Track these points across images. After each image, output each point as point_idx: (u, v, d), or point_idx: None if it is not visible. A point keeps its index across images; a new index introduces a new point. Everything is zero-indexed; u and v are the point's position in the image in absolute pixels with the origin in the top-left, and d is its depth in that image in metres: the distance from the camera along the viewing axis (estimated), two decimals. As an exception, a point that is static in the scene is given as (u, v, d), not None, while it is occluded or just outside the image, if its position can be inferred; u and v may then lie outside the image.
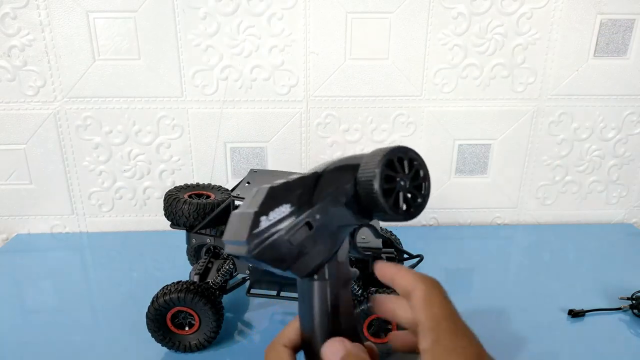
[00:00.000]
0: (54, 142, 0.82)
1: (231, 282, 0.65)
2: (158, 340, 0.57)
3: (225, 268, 0.61)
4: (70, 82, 0.79)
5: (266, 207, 0.28)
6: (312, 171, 0.30)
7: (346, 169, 0.29)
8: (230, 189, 0.70)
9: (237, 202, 0.60)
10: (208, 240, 0.64)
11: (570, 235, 0.88)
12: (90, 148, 0.83)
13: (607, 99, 0.85)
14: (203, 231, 0.63)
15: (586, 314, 0.65)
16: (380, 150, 0.28)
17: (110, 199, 0.87)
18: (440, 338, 0.27)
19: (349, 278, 0.31)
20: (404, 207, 0.28)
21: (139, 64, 0.78)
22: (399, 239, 0.70)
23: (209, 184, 0.70)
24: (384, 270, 0.32)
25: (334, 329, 0.30)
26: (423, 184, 0.29)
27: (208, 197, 0.67)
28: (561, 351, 0.59)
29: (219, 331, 0.58)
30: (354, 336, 0.31)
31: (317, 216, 0.28)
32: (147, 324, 0.57)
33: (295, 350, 0.32)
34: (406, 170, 0.28)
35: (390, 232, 0.70)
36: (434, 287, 0.29)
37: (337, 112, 0.83)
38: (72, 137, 0.82)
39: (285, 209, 0.28)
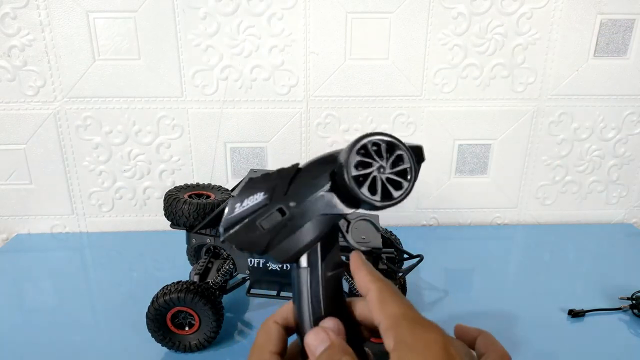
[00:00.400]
0: (54, 142, 0.82)
1: (231, 282, 0.65)
2: (158, 340, 0.57)
3: (225, 268, 0.61)
4: (70, 82, 0.79)
5: (242, 195, 0.30)
6: (294, 164, 0.31)
7: (325, 161, 0.29)
8: (230, 189, 0.70)
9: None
10: (208, 240, 0.64)
11: (570, 235, 0.88)
12: (90, 148, 0.83)
13: (607, 99, 0.85)
14: (203, 231, 0.63)
15: (586, 314, 0.65)
16: (356, 137, 0.28)
17: (110, 199, 0.87)
18: (402, 336, 0.26)
19: (337, 268, 0.31)
20: (383, 194, 0.28)
21: (139, 64, 0.78)
22: (399, 239, 0.70)
23: (209, 184, 0.70)
24: (351, 264, 0.31)
25: (316, 318, 0.30)
26: (407, 168, 0.28)
27: (208, 197, 0.67)
28: (561, 351, 0.59)
29: (219, 331, 0.58)
30: (346, 329, 0.30)
31: (291, 203, 0.29)
32: (147, 324, 0.57)
33: (287, 329, 0.32)
34: (384, 156, 0.28)
35: (390, 232, 0.70)
36: (387, 287, 0.29)
37: (337, 112, 0.83)
38: (72, 137, 0.82)
39: (259, 197, 0.30)
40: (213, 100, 0.81)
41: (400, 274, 0.61)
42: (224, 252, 0.65)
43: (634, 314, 0.65)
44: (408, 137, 0.85)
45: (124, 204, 0.88)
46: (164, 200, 0.64)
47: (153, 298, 0.56)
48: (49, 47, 0.76)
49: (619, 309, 0.66)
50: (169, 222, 0.64)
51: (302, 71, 0.80)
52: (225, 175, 0.87)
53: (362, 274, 0.30)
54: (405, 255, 0.67)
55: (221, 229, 0.30)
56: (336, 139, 0.85)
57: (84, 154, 0.83)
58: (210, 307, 0.56)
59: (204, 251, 0.67)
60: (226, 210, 0.30)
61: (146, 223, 0.89)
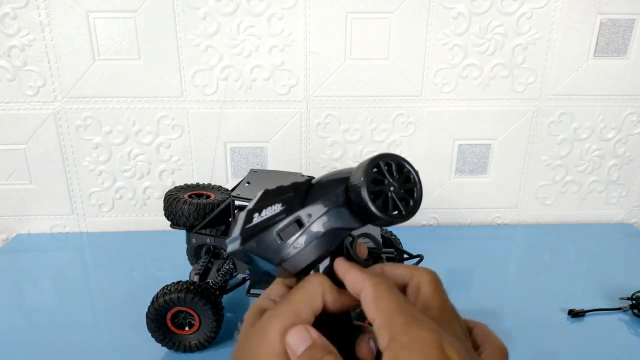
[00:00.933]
0: (54, 142, 0.82)
1: (231, 282, 0.65)
2: (158, 340, 0.57)
3: (225, 268, 0.61)
4: (70, 82, 0.79)
5: (259, 205, 0.31)
6: (306, 178, 0.32)
7: (338, 178, 0.31)
8: (230, 189, 0.70)
9: (237, 202, 0.60)
10: (208, 240, 0.64)
11: (570, 235, 0.88)
12: (90, 148, 0.83)
13: (607, 99, 0.85)
14: (203, 231, 0.63)
15: (586, 314, 0.65)
16: (369, 157, 0.29)
17: (110, 199, 0.87)
18: (396, 334, 0.25)
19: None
20: (393, 210, 0.29)
21: (139, 64, 0.78)
22: (399, 239, 0.70)
23: (209, 184, 0.70)
24: (336, 269, 0.30)
25: (322, 328, 0.30)
26: (414, 188, 0.30)
27: (208, 197, 0.67)
28: (561, 351, 0.59)
29: (219, 331, 0.58)
30: (347, 342, 0.31)
31: (308, 215, 0.30)
32: (147, 324, 0.57)
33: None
34: (395, 175, 0.29)
35: (390, 232, 0.70)
36: (382, 283, 0.28)
37: (337, 112, 0.83)
38: (72, 137, 0.82)
39: (277, 207, 0.31)
40: (213, 100, 0.81)
41: (400, 274, 0.61)
42: (224, 252, 0.65)
43: (634, 314, 0.65)
44: (408, 137, 0.85)
45: (124, 204, 0.88)
46: (164, 200, 0.64)
47: (153, 298, 0.56)
48: (49, 47, 0.76)
49: (619, 309, 0.66)
50: (169, 222, 0.64)
51: (302, 71, 0.80)
52: (225, 175, 0.87)
53: (352, 274, 0.29)
54: (405, 255, 0.67)
55: (240, 238, 0.31)
56: (336, 139, 0.85)
57: (84, 154, 0.83)
58: (210, 307, 0.56)
59: (204, 251, 0.67)
60: (242, 220, 0.31)
61: (146, 223, 0.89)
